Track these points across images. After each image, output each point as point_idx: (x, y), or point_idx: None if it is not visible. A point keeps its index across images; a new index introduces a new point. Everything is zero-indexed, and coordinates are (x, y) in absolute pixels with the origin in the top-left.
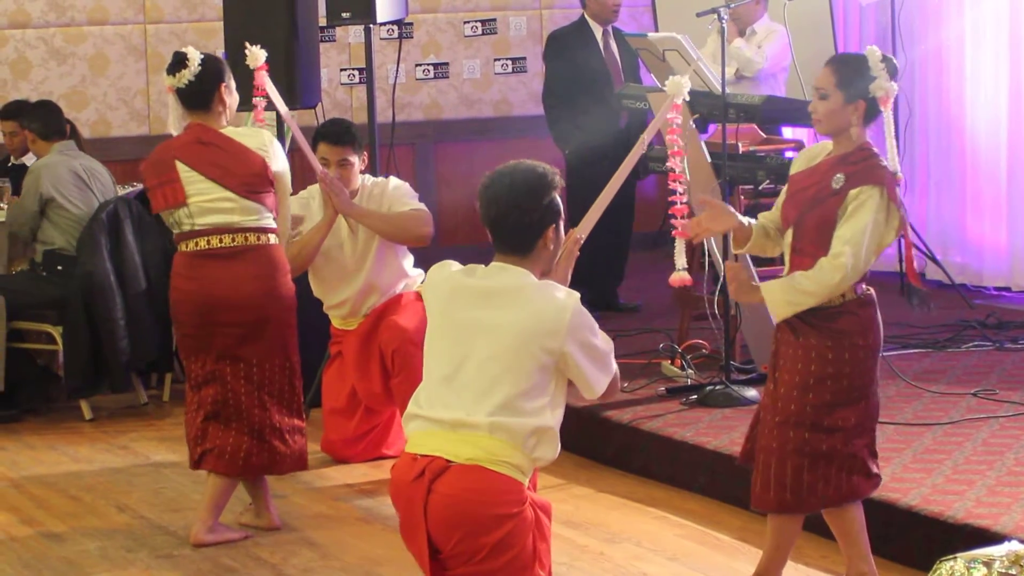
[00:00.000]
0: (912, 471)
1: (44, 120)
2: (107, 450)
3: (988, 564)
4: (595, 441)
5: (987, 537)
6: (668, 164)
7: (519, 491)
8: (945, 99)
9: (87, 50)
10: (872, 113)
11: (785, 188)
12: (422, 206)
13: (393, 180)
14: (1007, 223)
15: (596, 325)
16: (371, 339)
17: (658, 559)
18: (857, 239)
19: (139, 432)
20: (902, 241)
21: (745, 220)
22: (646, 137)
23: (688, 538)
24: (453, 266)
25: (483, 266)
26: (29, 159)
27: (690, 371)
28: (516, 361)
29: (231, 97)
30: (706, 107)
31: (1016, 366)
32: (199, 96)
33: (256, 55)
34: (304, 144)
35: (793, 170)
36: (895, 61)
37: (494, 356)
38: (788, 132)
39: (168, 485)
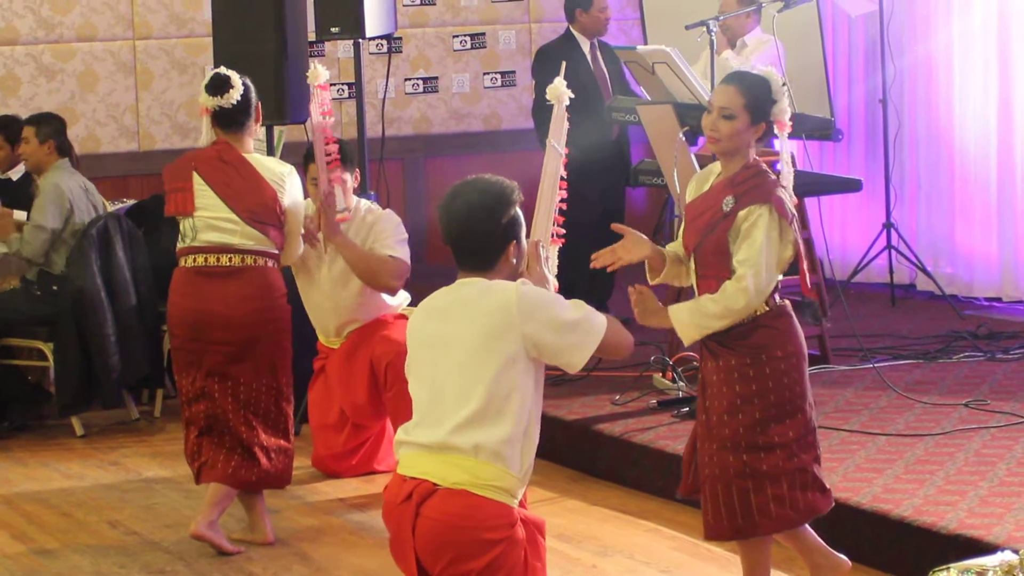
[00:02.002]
0: (904, 482)
1: (64, 135)
2: (99, 466)
3: (981, 574)
4: (587, 454)
5: (980, 547)
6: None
7: (507, 514)
8: (934, 110)
9: (76, 66)
10: (766, 136)
11: (684, 216)
12: (402, 253)
13: (388, 216)
14: (997, 233)
15: (554, 297)
16: (355, 355)
17: (651, 571)
18: (755, 259)
19: (131, 448)
20: (892, 253)
21: (660, 249)
22: (555, 143)
23: (680, 550)
24: (431, 295)
25: (447, 287)
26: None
27: (681, 383)
28: (482, 365)
29: (255, 123)
30: (695, 119)
31: (1007, 376)
32: (239, 117)
33: (319, 73)
34: (321, 159)
35: (688, 197)
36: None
37: (460, 366)
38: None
39: (160, 501)
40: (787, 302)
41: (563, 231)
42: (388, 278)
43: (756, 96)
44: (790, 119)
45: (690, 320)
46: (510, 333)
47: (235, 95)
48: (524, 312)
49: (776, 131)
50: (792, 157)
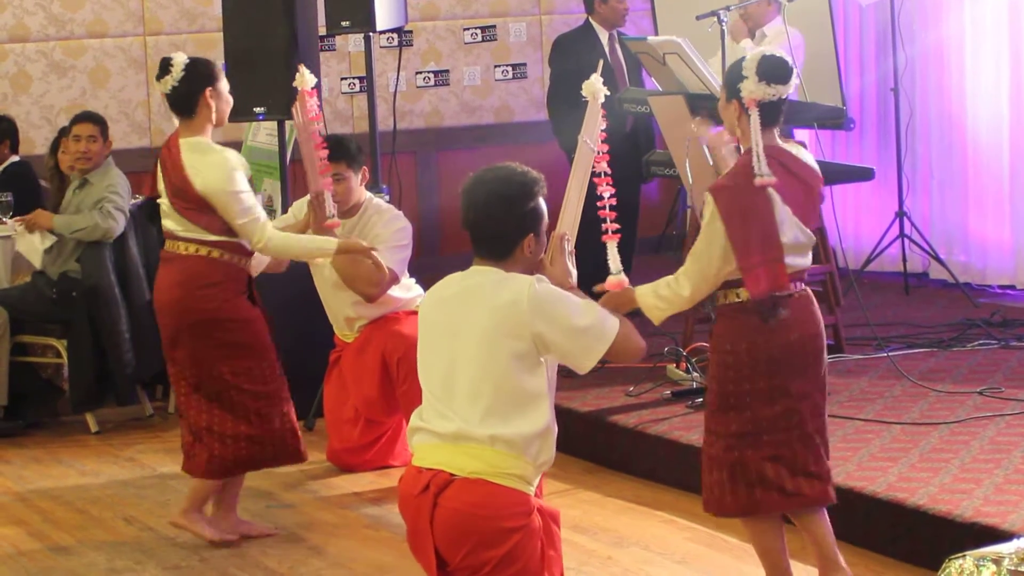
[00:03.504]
0: (919, 470)
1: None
2: (113, 463)
3: (997, 562)
4: (601, 446)
5: (996, 535)
6: (596, 168)
7: (525, 502)
8: (946, 97)
9: (87, 63)
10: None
11: None
12: (391, 261)
13: (393, 219)
14: (1010, 221)
15: (567, 299)
16: (366, 350)
17: (666, 563)
18: (699, 249)
19: (145, 444)
20: (905, 241)
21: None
22: (586, 138)
23: (696, 541)
24: (441, 282)
25: (460, 273)
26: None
27: (695, 374)
28: (491, 359)
29: (220, 102)
30: (708, 109)
31: (1022, 364)
32: (182, 102)
33: (307, 79)
34: (314, 162)
35: None
36: (778, 64)
37: (470, 358)
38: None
39: (175, 496)
40: (746, 302)
41: (617, 226)
42: (365, 285)
43: (730, 73)
44: (767, 101)
45: (653, 302)
46: (520, 330)
47: (170, 82)
48: (535, 311)
49: (747, 109)
50: (803, 144)
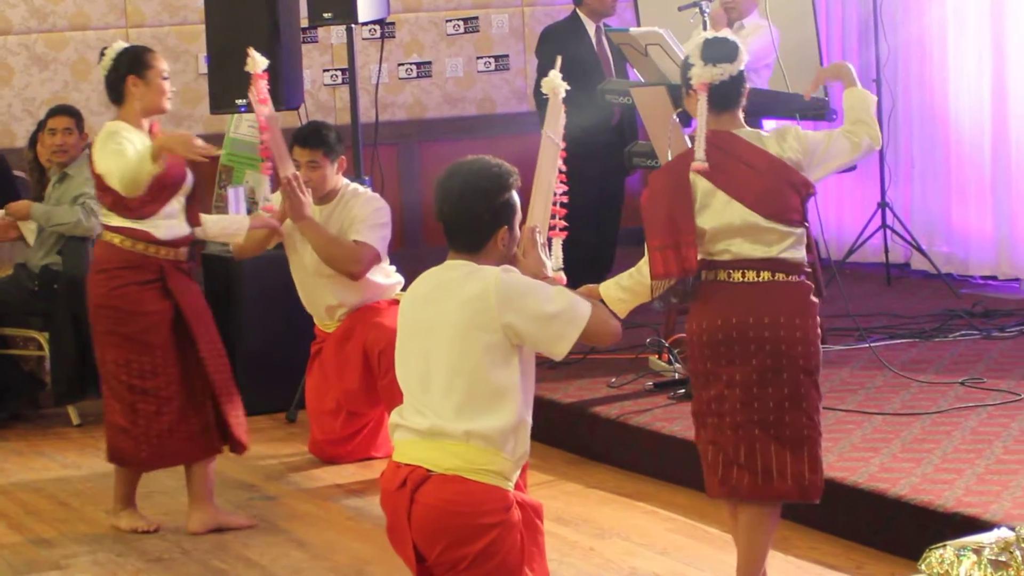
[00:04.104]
0: (901, 461)
1: None
2: (95, 455)
3: (978, 551)
4: (583, 437)
5: (977, 525)
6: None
7: (502, 498)
8: (928, 88)
9: (69, 55)
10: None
11: None
12: (371, 239)
13: (368, 197)
14: (992, 212)
15: (535, 287)
16: (348, 342)
17: (648, 553)
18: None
19: None
20: (887, 232)
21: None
22: (548, 133)
23: (678, 532)
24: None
25: (436, 267)
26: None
27: (677, 365)
28: (463, 354)
29: (147, 91)
30: None
31: (1003, 354)
32: (110, 89)
33: (258, 62)
34: (280, 149)
35: None
36: (721, 44)
37: (443, 354)
38: (770, 124)
39: (156, 489)
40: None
41: (565, 224)
42: (347, 263)
43: (683, 67)
44: (722, 84)
45: (616, 295)
46: (489, 322)
47: (102, 70)
48: (502, 301)
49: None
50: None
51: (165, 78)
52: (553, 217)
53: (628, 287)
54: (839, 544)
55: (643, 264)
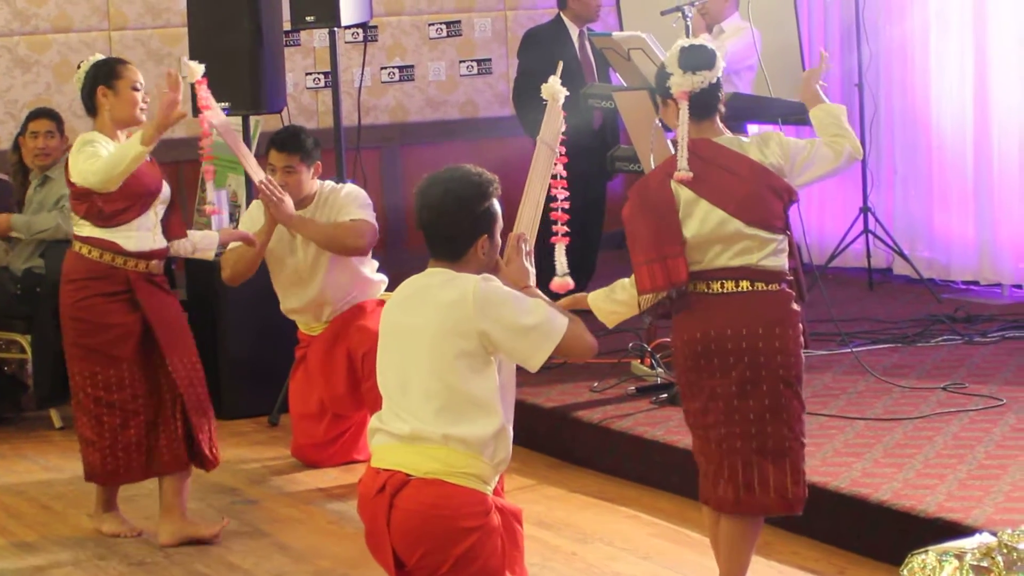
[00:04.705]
0: (883, 466)
1: None
2: (77, 458)
3: (960, 557)
4: (566, 441)
5: (958, 530)
6: (554, 170)
7: (481, 502)
8: (910, 93)
9: (52, 58)
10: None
11: None
12: (365, 216)
13: (347, 187)
14: (974, 217)
15: (513, 297)
16: (335, 345)
17: (631, 558)
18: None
19: None
20: (869, 237)
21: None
22: (545, 138)
23: (660, 537)
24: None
25: (417, 274)
26: None
27: (660, 370)
28: (440, 359)
29: (116, 102)
30: None
31: (985, 360)
32: (84, 100)
33: (193, 70)
34: (242, 155)
35: None
36: (698, 51)
37: (421, 359)
38: (753, 129)
39: (139, 493)
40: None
41: (567, 229)
42: (353, 239)
43: (657, 75)
44: (702, 92)
45: (606, 307)
46: (465, 329)
47: (76, 84)
48: (479, 309)
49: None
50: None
51: (136, 89)
52: (555, 223)
53: (621, 300)
54: (821, 549)
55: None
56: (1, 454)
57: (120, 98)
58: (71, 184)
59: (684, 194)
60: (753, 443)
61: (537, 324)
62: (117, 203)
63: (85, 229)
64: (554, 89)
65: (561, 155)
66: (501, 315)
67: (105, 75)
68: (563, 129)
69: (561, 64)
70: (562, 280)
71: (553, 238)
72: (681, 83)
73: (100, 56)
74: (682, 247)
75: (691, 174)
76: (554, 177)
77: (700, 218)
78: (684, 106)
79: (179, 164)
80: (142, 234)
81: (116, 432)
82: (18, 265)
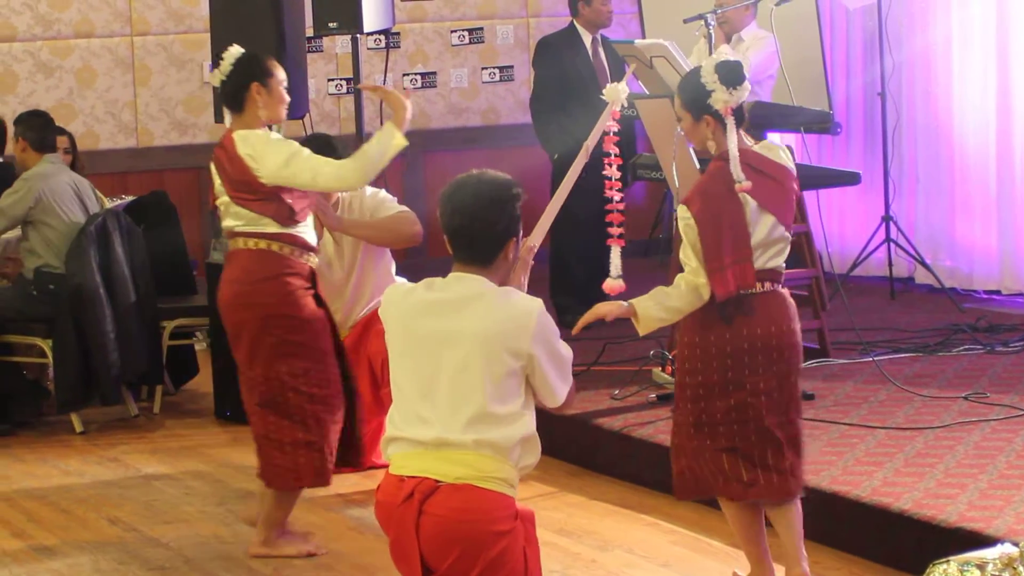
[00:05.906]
0: (904, 475)
1: (40, 131)
2: (98, 463)
3: (981, 567)
4: (586, 449)
5: (980, 540)
6: (605, 172)
7: (511, 506)
8: (933, 102)
9: (74, 63)
10: (724, 123)
11: None
12: (405, 208)
13: (368, 189)
14: (996, 226)
15: (558, 333)
16: (359, 349)
17: (650, 566)
18: (687, 257)
19: (130, 444)
20: (891, 246)
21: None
22: (589, 144)
23: (680, 544)
24: (407, 285)
25: (440, 278)
26: None
27: None
28: (487, 368)
29: (269, 99)
30: None
31: (1007, 369)
32: (229, 97)
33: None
34: None
35: None
36: (733, 67)
37: (463, 366)
38: (776, 137)
39: (159, 497)
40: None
41: (623, 231)
42: (409, 226)
43: (690, 92)
44: (738, 105)
45: (656, 314)
46: (520, 344)
47: (219, 76)
48: (539, 332)
49: (724, 118)
50: (790, 150)
51: (285, 87)
52: (610, 224)
53: (674, 307)
54: (841, 558)
55: (691, 284)
56: (22, 458)
57: (273, 96)
58: (258, 182)
59: (751, 202)
60: (785, 432)
61: (567, 360)
62: (303, 200)
63: (271, 227)
64: (619, 93)
65: (615, 156)
66: (552, 345)
67: (260, 72)
68: (616, 129)
69: (633, 66)
70: (615, 282)
71: (609, 240)
72: (727, 99)
73: (240, 49)
74: (750, 252)
75: (750, 183)
76: (609, 179)
77: (762, 224)
78: (731, 121)
79: (200, 170)
80: (311, 230)
81: (330, 429)
82: (28, 266)
